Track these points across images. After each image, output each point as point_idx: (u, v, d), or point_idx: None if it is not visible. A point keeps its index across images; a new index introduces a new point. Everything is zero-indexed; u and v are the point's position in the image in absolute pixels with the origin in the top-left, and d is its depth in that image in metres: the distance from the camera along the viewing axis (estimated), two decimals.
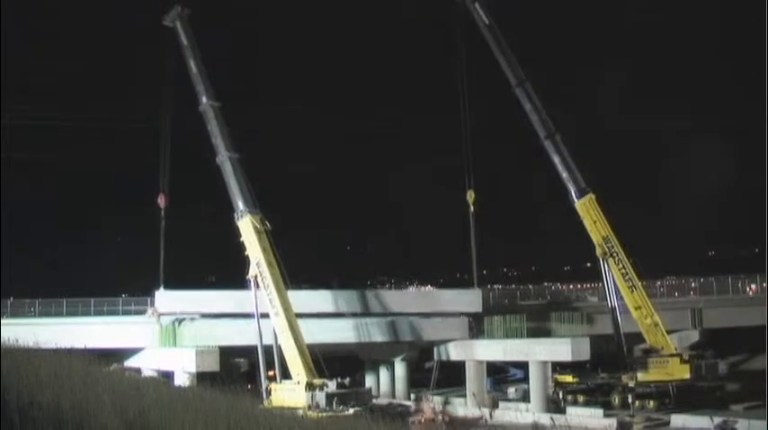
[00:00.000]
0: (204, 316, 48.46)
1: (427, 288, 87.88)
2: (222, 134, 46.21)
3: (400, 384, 53.94)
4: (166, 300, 48.14)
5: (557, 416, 41.16)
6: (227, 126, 46.89)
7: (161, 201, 49.50)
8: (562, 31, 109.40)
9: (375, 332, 49.76)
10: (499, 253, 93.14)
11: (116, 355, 43.87)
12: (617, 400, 45.21)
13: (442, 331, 50.59)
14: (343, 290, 53.44)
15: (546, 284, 65.63)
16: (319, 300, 49.77)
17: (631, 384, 44.06)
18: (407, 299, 55.55)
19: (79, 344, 25.52)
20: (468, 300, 51.47)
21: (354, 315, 49.62)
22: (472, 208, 51.07)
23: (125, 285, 71.88)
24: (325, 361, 42.04)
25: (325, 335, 46.93)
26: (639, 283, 46.18)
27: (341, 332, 49.22)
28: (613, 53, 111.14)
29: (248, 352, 47.96)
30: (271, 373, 43.61)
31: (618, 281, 45.89)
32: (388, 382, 54.77)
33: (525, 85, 48.19)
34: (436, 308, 51.57)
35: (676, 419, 39.75)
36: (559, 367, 47.91)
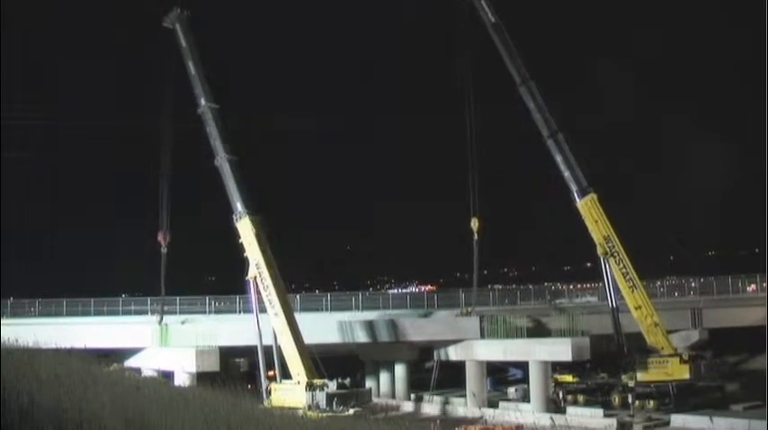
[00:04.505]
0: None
1: (427, 287, 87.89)
2: (221, 136, 46.13)
3: (400, 384, 53.92)
4: None
5: (556, 417, 41.20)
6: (225, 128, 46.86)
7: (161, 238, 49.54)
8: (566, 29, 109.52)
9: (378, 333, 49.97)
10: (499, 253, 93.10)
11: (116, 355, 43.87)
12: (617, 400, 45.23)
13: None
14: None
15: (546, 284, 65.56)
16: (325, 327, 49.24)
17: (631, 384, 44.07)
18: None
19: (79, 344, 25.55)
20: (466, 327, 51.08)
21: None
22: (476, 236, 50.33)
23: (125, 285, 72.08)
24: (324, 361, 42.05)
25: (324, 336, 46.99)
26: (640, 283, 46.16)
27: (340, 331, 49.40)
28: (616, 52, 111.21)
29: (248, 352, 47.96)
30: (270, 373, 43.62)
31: (618, 280, 45.85)
32: (388, 383, 54.75)
33: (529, 83, 48.07)
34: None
35: (676, 419, 39.76)
36: (559, 367, 47.89)
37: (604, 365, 46.77)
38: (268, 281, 42.89)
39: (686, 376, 43.91)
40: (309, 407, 37.33)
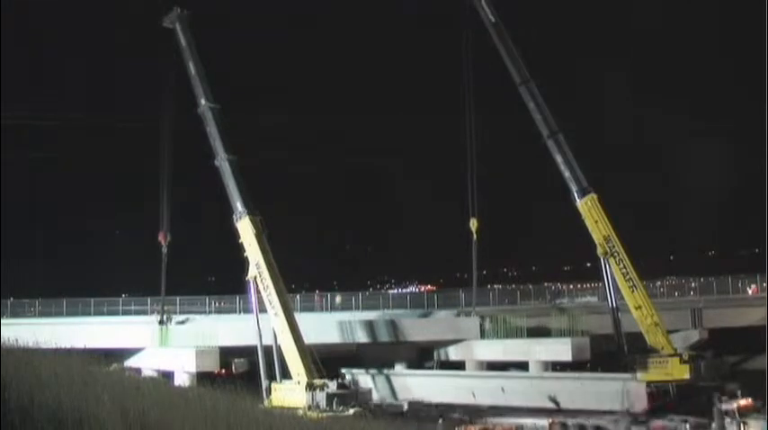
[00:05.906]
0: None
1: (427, 287, 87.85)
2: (221, 136, 46.07)
3: None
4: None
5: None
6: (225, 128, 46.83)
7: (161, 238, 49.54)
8: (567, 29, 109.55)
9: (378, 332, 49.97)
10: (499, 253, 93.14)
11: (116, 355, 43.81)
12: None
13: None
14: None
15: (546, 284, 65.56)
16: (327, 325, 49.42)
17: None
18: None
19: (79, 344, 25.52)
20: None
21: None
22: (475, 236, 50.60)
23: (125, 285, 72.08)
24: (324, 361, 42.01)
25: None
26: (640, 283, 46.15)
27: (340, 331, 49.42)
28: (617, 53, 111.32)
29: (248, 352, 47.93)
30: None
31: (618, 280, 45.84)
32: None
33: (529, 83, 48.10)
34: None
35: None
36: (559, 367, 47.89)
37: (604, 365, 46.75)
38: (268, 281, 42.85)
39: (686, 376, 43.87)
40: (309, 407, 37.30)
